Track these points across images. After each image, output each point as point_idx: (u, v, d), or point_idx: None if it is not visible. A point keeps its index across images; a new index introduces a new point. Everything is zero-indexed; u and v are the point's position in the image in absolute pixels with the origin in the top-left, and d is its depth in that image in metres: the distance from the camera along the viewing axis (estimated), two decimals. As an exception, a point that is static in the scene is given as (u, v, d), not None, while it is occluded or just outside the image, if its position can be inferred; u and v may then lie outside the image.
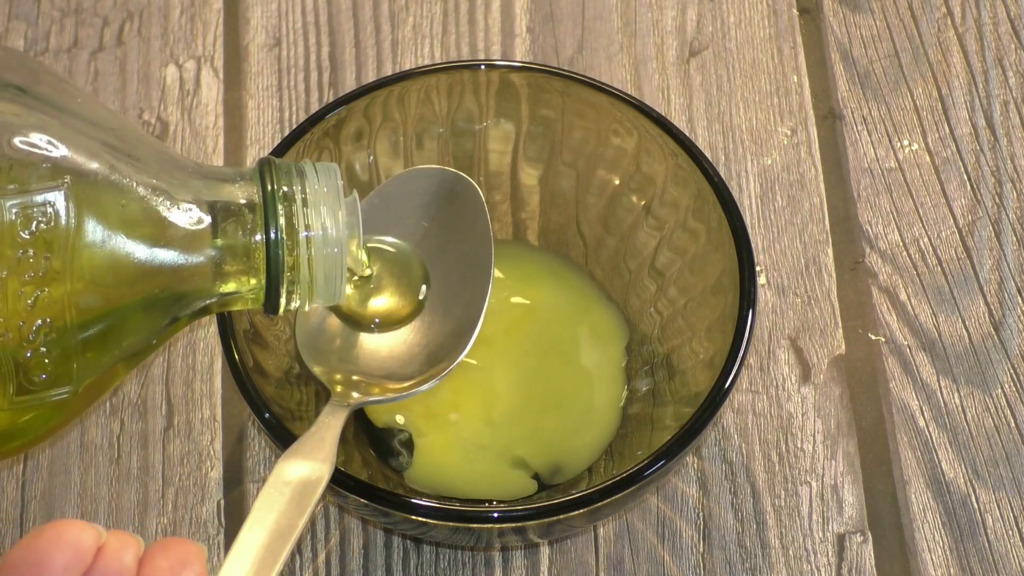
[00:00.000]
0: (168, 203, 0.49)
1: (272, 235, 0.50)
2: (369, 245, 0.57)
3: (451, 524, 0.54)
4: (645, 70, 0.72)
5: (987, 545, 0.62)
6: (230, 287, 0.50)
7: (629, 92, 0.62)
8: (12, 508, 0.63)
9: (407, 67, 0.72)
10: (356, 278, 0.56)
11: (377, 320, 0.57)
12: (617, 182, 0.62)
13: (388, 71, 0.72)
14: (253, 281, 0.50)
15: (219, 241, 0.49)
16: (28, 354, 0.47)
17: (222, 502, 0.63)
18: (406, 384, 0.56)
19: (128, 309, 0.49)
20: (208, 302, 0.50)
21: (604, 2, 0.74)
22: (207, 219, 0.49)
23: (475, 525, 0.54)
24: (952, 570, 0.61)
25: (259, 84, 0.72)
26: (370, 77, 0.72)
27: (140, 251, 0.48)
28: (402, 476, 0.61)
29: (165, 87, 0.72)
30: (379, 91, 0.60)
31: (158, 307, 0.49)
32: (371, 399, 0.55)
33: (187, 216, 0.49)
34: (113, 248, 0.48)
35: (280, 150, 0.58)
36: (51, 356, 0.47)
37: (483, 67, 0.61)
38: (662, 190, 0.61)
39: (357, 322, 0.57)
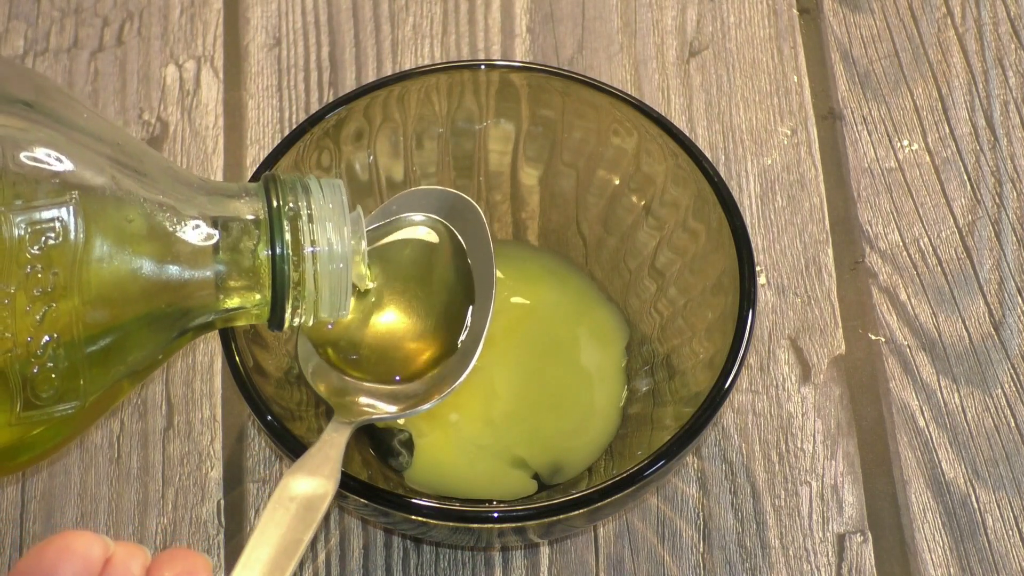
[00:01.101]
0: (175, 219, 0.49)
1: (278, 251, 0.50)
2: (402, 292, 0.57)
3: (451, 524, 0.54)
4: (645, 70, 0.72)
5: (987, 545, 0.62)
6: (235, 302, 0.50)
7: (629, 92, 0.62)
8: (12, 508, 0.63)
9: (407, 67, 0.72)
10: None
11: (397, 378, 0.57)
12: (617, 182, 0.62)
13: (388, 71, 0.72)
14: (258, 296, 0.50)
15: (225, 257, 0.50)
16: (36, 369, 0.47)
17: (222, 502, 0.63)
18: (410, 402, 0.56)
19: (134, 324, 0.49)
20: (213, 317, 0.50)
21: (604, 2, 0.74)
22: (213, 235, 0.50)
23: (475, 525, 0.53)
24: (952, 570, 0.61)
25: (259, 84, 0.72)
26: (370, 77, 0.72)
27: (147, 266, 0.48)
28: (402, 476, 0.61)
29: (165, 87, 0.72)
30: (379, 91, 0.60)
31: (164, 322, 0.49)
32: (375, 416, 0.55)
33: (193, 232, 0.49)
34: (120, 263, 0.48)
35: (280, 150, 0.58)
36: (58, 371, 0.47)
37: (483, 67, 0.61)
38: (662, 190, 0.61)
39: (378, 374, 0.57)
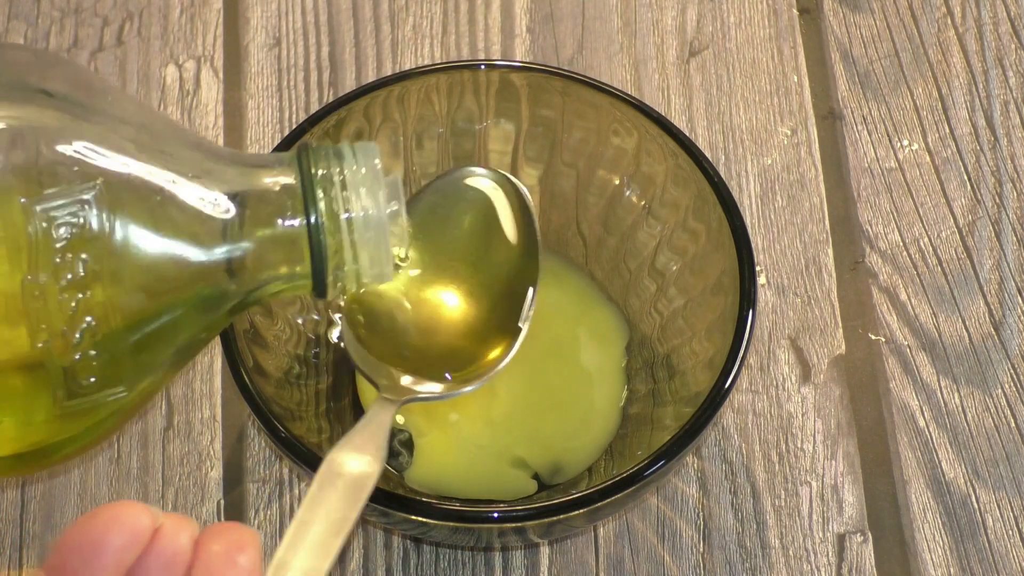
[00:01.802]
0: (203, 196, 0.48)
1: (312, 220, 0.49)
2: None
3: (451, 524, 0.54)
4: (645, 70, 0.72)
5: (987, 545, 0.62)
6: (276, 274, 0.50)
7: (629, 92, 0.62)
8: (12, 508, 0.63)
9: (407, 67, 0.72)
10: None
11: (448, 376, 0.56)
12: (617, 182, 0.62)
13: (388, 71, 0.72)
14: (299, 268, 0.49)
15: (259, 231, 0.49)
16: (77, 356, 0.47)
17: (222, 502, 0.63)
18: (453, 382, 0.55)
19: (172, 306, 0.48)
20: (256, 292, 0.50)
21: (604, 2, 0.74)
22: (245, 209, 0.49)
23: (475, 525, 0.53)
24: (952, 570, 0.61)
25: (259, 84, 0.72)
26: (370, 77, 0.72)
27: (178, 248, 0.48)
28: (402, 476, 0.61)
29: (165, 87, 0.72)
30: (379, 91, 0.60)
31: (203, 302, 0.49)
32: (421, 395, 0.54)
33: (224, 208, 0.48)
34: (150, 247, 0.47)
35: (280, 150, 0.58)
36: (98, 358, 0.47)
37: (483, 67, 0.61)
38: (662, 190, 0.61)
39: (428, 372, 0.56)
